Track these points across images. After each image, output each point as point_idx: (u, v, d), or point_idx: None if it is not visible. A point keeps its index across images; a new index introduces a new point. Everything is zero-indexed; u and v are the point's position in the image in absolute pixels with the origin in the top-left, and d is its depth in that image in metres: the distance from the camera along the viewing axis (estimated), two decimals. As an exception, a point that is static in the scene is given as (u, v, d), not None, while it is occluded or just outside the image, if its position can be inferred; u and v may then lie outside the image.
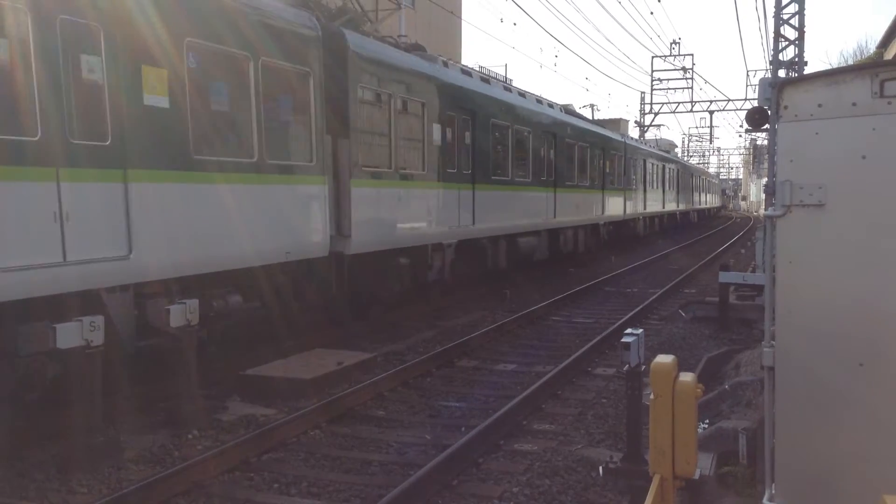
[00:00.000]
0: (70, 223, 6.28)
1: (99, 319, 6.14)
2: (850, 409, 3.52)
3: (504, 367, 9.84)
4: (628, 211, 27.45)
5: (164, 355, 7.37)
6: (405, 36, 19.07)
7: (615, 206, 25.38)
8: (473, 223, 14.19)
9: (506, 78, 25.52)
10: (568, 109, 23.18)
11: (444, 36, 31.32)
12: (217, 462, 6.01)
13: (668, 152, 43.08)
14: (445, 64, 14.17)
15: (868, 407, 3.47)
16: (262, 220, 8.65)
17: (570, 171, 20.30)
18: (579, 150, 21.24)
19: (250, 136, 8.44)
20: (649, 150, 34.26)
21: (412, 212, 12.12)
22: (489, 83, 16.17)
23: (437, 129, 12.72)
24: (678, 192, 40.62)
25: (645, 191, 30.90)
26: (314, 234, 9.57)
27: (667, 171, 36.65)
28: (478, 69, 21.12)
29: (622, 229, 27.04)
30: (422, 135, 12.32)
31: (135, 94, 6.96)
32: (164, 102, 7.27)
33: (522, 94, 18.50)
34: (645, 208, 30.86)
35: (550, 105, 20.40)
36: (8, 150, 5.84)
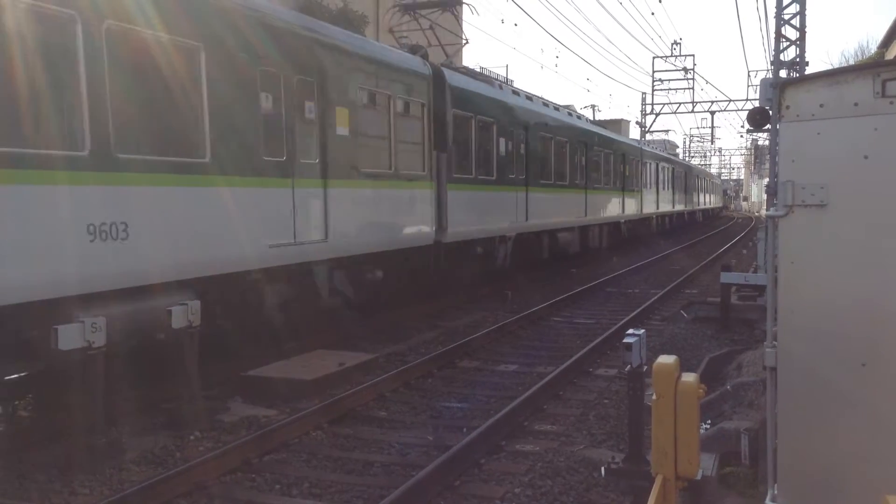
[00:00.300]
0: (298, 216, 9.11)
1: (101, 321, 6.15)
2: (852, 410, 3.51)
3: (505, 367, 9.83)
4: (644, 211, 30.29)
5: (166, 356, 7.40)
6: (406, 37, 19.08)
7: (633, 206, 28.21)
8: (527, 220, 16.94)
9: (507, 79, 25.56)
10: (581, 116, 25.27)
11: (444, 37, 31.27)
12: (218, 463, 6.01)
13: (676, 155, 44.57)
14: (501, 86, 16.95)
15: (870, 407, 3.46)
16: (397, 215, 11.70)
17: (597, 176, 23.15)
18: (605, 156, 24.19)
19: (389, 153, 11.37)
20: (661, 154, 37.71)
21: (486, 209, 15.01)
22: (532, 100, 18.82)
23: (502, 143, 15.68)
24: (686, 194, 43.48)
25: (658, 192, 33.78)
26: (426, 227, 12.57)
27: (676, 174, 39.75)
28: (479, 70, 21.71)
29: (639, 227, 29.92)
30: (492, 147, 15.28)
31: (331, 127, 9.86)
32: (346, 132, 10.16)
33: (557, 107, 21.39)
34: (658, 208, 33.82)
35: (578, 117, 23.61)
36: (274, 168, 8.78)
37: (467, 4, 16.85)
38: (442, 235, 12.98)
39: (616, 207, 25.62)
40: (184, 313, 7.05)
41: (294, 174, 9.08)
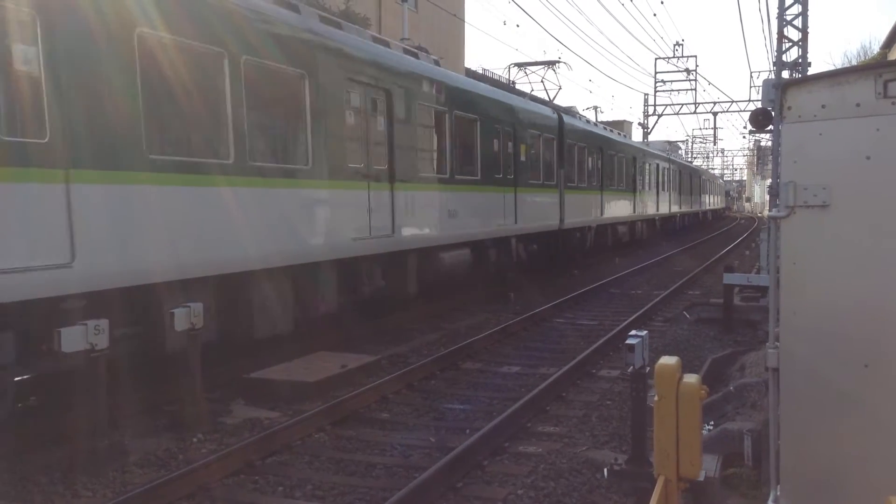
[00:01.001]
0: (504, 208, 15.39)
1: (104, 323, 6.15)
2: (854, 411, 3.50)
3: (508, 369, 9.83)
4: (671, 210, 37.04)
5: (169, 358, 7.40)
6: (408, 39, 19.11)
7: (664, 206, 35.34)
8: (602, 215, 23.30)
9: (509, 80, 25.62)
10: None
11: (446, 38, 31.33)
12: (221, 465, 6.01)
13: (679, 156, 47.78)
14: (578, 116, 23.79)
15: (873, 408, 3.45)
16: (544, 209, 18.12)
17: (642, 181, 29.62)
18: (648, 167, 31.07)
19: (540, 170, 17.83)
20: (683, 162, 46.12)
21: (582, 207, 21.21)
22: (596, 125, 26.09)
23: (589, 160, 22.22)
24: (700, 195, 50.33)
25: (680, 194, 41.19)
26: (555, 218, 18.96)
27: (693, 178, 47.40)
28: (481, 72, 22.61)
29: (667, 223, 37.33)
30: (584, 163, 21.69)
31: (518, 155, 16.25)
32: (524, 158, 16.57)
33: (611, 129, 28.47)
34: (680, 208, 41.39)
35: (624, 135, 30.95)
36: (500, 181, 15.27)
37: (565, 63, 27.35)
38: (561, 224, 19.18)
39: (653, 207, 32.05)
40: (186, 315, 7.04)
41: (503, 184, 15.34)
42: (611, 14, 29.17)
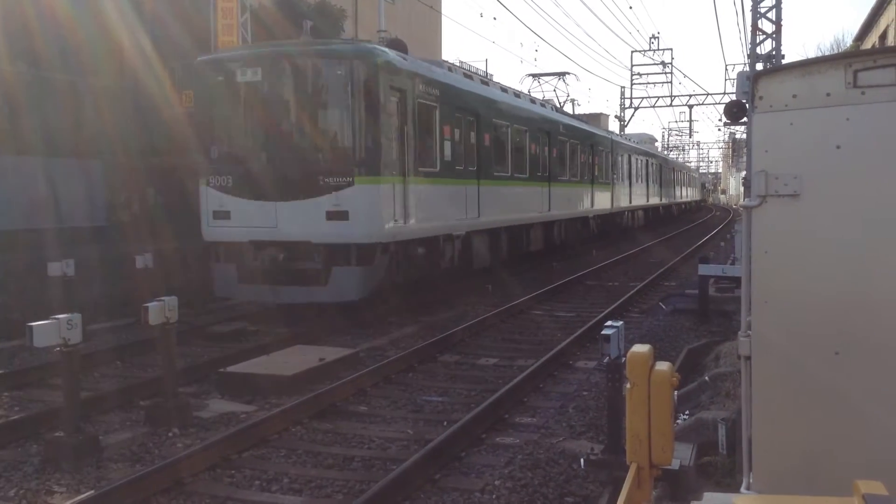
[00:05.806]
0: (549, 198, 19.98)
1: (76, 317, 6.08)
2: (825, 398, 3.54)
3: (486, 361, 9.85)
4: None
5: (146, 350, 7.35)
6: (385, 31, 19.03)
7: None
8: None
9: (486, 73, 25.63)
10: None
11: (423, 31, 31.26)
12: (197, 459, 5.96)
13: (655, 148, 51.76)
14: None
15: (843, 395, 3.49)
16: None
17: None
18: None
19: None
20: (674, 160, 53.91)
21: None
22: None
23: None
24: (668, 187, 51.30)
25: (673, 187, 46.54)
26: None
27: (682, 174, 54.18)
28: (458, 64, 22.12)
29: (667, 210, 43.84)
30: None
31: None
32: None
33: (634, 139, 36.58)
34: (673, 199, 47.03)
35: (628, 137, 36.76)
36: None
37: (574, 75, 35.42)
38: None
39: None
40: (160, 310, 6.96)
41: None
42: (587, 6, 29.41)
